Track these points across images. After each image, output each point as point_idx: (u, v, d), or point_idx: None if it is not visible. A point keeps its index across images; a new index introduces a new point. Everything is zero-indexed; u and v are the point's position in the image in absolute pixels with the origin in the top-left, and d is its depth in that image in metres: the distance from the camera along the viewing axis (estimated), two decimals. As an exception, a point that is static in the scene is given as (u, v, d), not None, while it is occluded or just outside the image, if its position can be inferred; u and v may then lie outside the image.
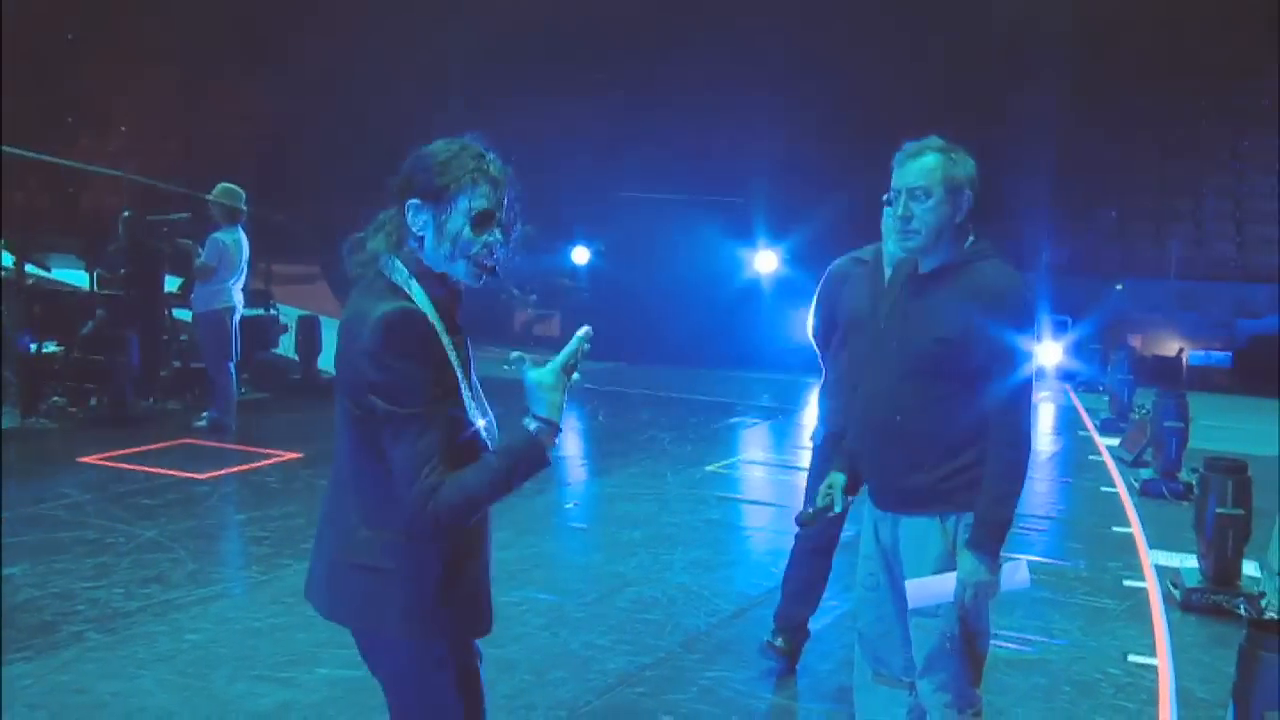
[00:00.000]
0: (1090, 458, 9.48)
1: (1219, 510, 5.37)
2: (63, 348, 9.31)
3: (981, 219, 2.99)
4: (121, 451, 7.66)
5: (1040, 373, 13.77)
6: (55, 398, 8.93)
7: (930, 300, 2.94)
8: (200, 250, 8.58)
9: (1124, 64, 17.80)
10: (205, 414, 8.66)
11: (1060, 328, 15.35)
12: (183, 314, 9.77)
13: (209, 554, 5.71)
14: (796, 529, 4.38)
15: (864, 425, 3.08)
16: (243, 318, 8.80)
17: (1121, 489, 8.09)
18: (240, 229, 8.47)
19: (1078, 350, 15.20)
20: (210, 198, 8.54)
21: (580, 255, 16.45)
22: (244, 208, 8.50)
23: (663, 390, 12.24)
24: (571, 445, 8.96)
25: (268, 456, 7.81)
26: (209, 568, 5.43)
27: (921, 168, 2.89)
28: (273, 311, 11.21)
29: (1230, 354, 16.41)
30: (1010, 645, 4.67)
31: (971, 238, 2.96)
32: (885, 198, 3.18)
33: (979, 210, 2.95)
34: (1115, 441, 9.83)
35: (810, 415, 4.45)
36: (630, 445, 9.02)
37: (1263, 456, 8.32)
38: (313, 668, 4.19)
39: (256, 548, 5.80)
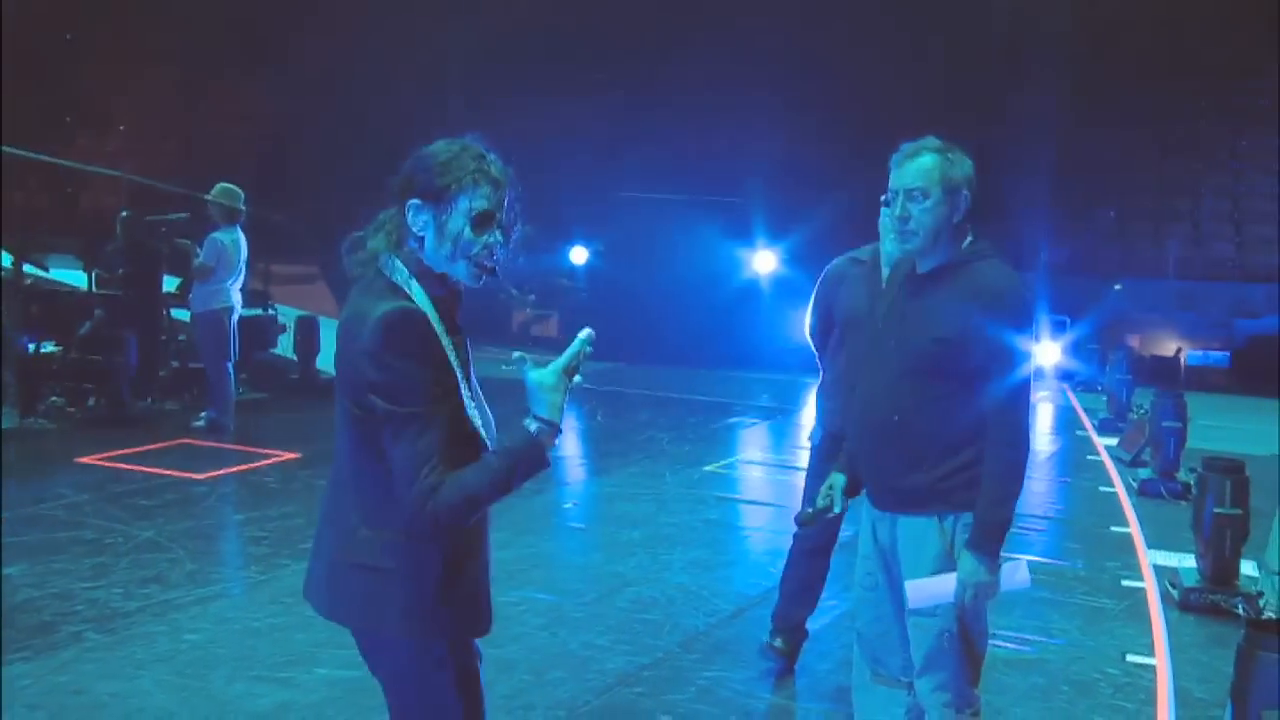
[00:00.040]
0: (1088, 457, 9.49)
1: (1217, 510, 5.38)
2: (61, 348, 9.31)
3: (979, 219, 2.99)
4: (120, 452, 7.66)
5: (1039, 372, 13.79)
6: (53, 398, 8.93)
7: (928, 300, 2.94)
8: (199, 250, 8.58)
9: (1123, 64, 17.80)
10: (203, 414, 8.65)
11: (1059, 327, 15.36)
12: (181, 314, 9.77)
13: (207, 554, 5.71)
14: (795, 529, 4.39)
15: (862, 425, 3.08)
16: (241, 318, 8.79)
17: (1120, 489, 8.09)
18: (239, 229, 8.47)
19: (1076, 350, 15.21)
20: (209, 198, 8.54)
21: (579, 255, 16.45)
22: (242, 208, 8.50)
23: (661, 390, 12.25)
24: (570, 445, 8.96)
25: (266, 457, 7.81)
26: (207, 568, 5.43)
27: (919, 168, 2.89)
28: (271, 311, 11.21)
29: (1228, 354, 16.42)
30: (1009, 645, 4.67)
31: (970, 238, 2.97)
32: (883, 198, 3.19)
33: (977, 210, 2.95)
34: (1113, 441, 9.83)
35: (809, 415, 4.46)
36: (629, 445, 9.03)
37: (1261, 456, 8.33)
38: (311, 668, 4.19)
39: (255, 548, 5.80)
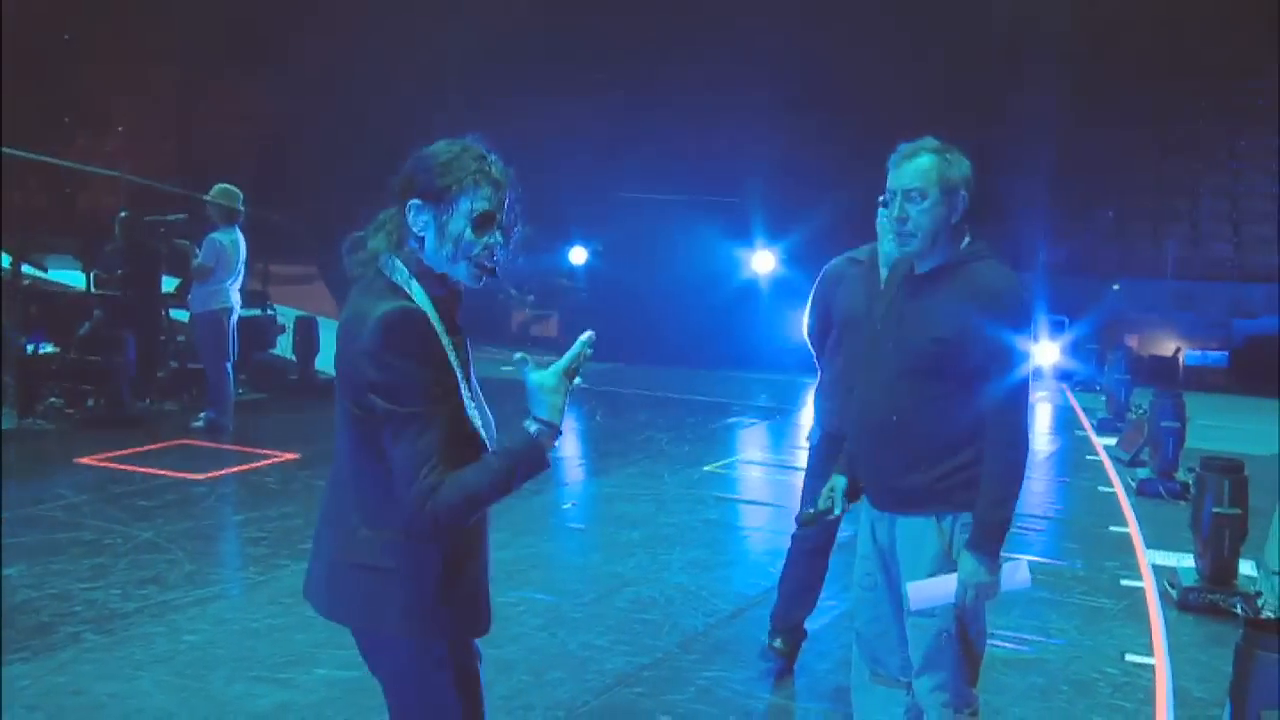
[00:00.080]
0: (1087, 457, 9.49)
1: (1216, 510, 5.38)
2: (60, 348, 9.30)
3: (978, 219, 2.99)
4: (119, 452, 7.65)
5: (1037, 372, 13.79)
6: (52, 399, 8.92)
7: (927, 301, 2.95)
8: (197, 251, 8.58)
9: (1123, 64, 17.81)
10: (202, 415, 8.65)
11: (1057, 327, 15.36)
12: (180, 315, 9.76)
13: (206, 555, 5.71)
14: (794, 529, 4.39)
15: (860, 425, 3.08)
16: (240, 318, 8.79)
17: (1118, 488, 8.10)
18: (237, 229, 8.46)
19: (1075, 350, 15.21)
20: (208, 198, 8.54)
21: (578, 255, 16.45)
22: (241, 208, 8.49)
23: (660, 390, 12.25)
24: (569, 446, 8.96)
25: (265, 457, 7.80)
26: (206, 568, 5.43)
27: (916, 169, 2.89)
28: (270, 312, 11.20)
29: (1227, 354, 16.43)
30: (1008, 645, 4.68)
31: (968, 238, 2.97)
32: (880, 199, 3.19)
33: (975, 211, 2.95)
34: (1112, 441, 9.84)
35: (807, 415, 4.46)
36: (628, 445, 9.03)
37: (1259, 456, 8.33)
38: (311, 668, 4.19)
39: (254, 548, 5.80)
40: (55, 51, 19.01)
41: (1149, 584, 5.73)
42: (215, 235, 8.38)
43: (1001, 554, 2.92)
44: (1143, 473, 8.23)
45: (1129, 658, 4.71)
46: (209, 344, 8.51)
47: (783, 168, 15.86)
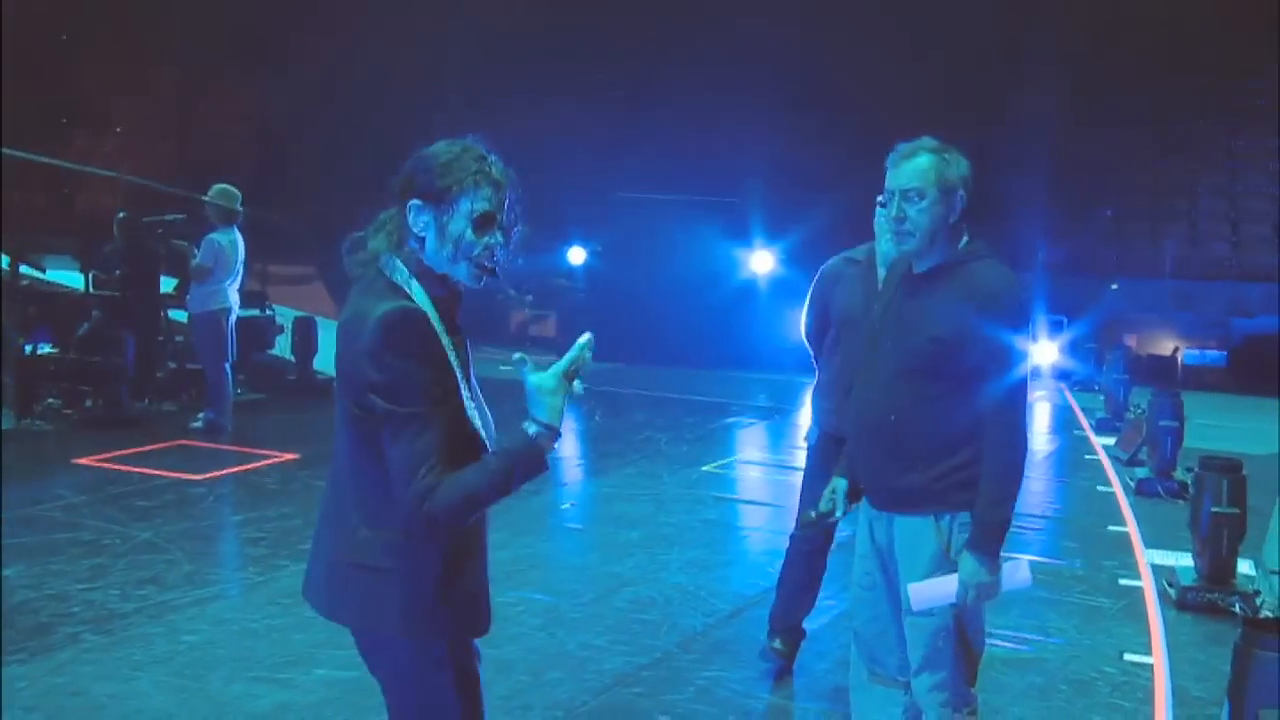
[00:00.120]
0: (1086, 457, 9.50)
1: (1214, 509, 5.38)
2: (58, 349, 9.30)
3: (976, 219, 2.99)
4: (117, 453, 7.65)
5: (1036, 372, 13.79)
6: (51, 399, 8.92)
7: (925, 300, 2.95)
8: (196, 251, 8.57)
9: (1122, 64, 17.83)
10: (201, 415, 8.65)
11: (1056, 327, 15.37)
12: (179, 315, 9.76)
13: (205, 555, 5.71)
14: (792, 529, 4.39)
15: (858, 425, 3.08)
16: (239, 319, 8.78)
17: (1117, 488, 8.10)
18: (236, 230, 8.46)
19: (1073, 350, 15.22)
20: (206, 199, 8.53)
21: (576, 255, 16.44)
22: (240, 209, 8.49)
23: (659, 390, 12.25)
24: (568, 446, 8.96)
25: (264, 457, 7.80)
26: (205, 569, 5.42)
27: (915, 169, 2.89)
28: (269, 312, 11.20)
29: (1225, 353, 16.44)
30: (1006, 644, 4.68)
31: (966, 238, 2.97)
32: (879, 199, 3.19)
33: (973, 210, 2.95)
34: (1111, 441, 9.84)
35: (806, 415, 4.46)
36: (627, 446, 9.02)
37: (1258, 455, 8.34)
38: (310, 668, 4.19)
39: (253, 549, 5.80)
40: (54, 51, 18.99)
41: (1147, 583, 5.74)
42: (214, 236, 8.38)
43: (1001, 554, 2.92)
44: (1141, 472, 8.23)
45: (1128, 657, 4.71)
46: (208, 344, 8.51)
47: (782, 168, 15.87)
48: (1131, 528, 6.92)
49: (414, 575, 2.16)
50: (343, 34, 18.51)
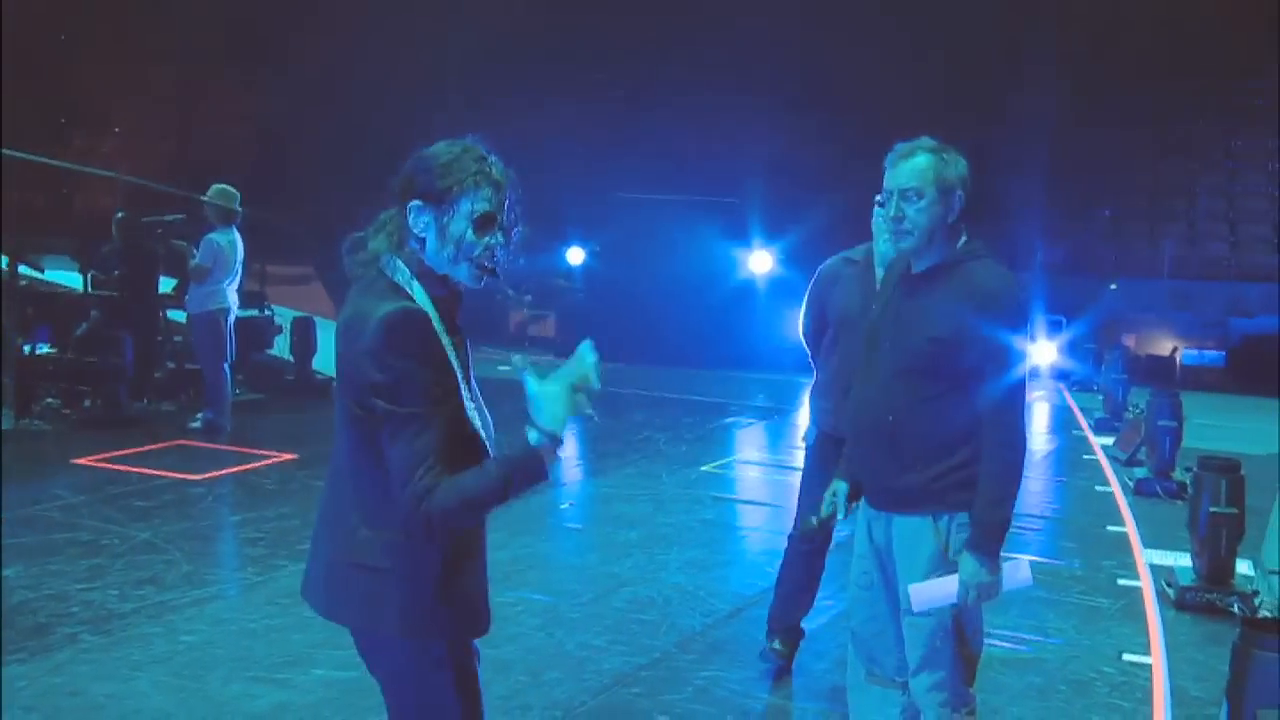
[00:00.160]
0: (1085, 457, 9.50)
1: (1212, 509, 5.38)
2: (57, 349, 9.29)
3: (975, 219, 3.00)
4: (116, 453, 7.65)
5: (1035, 372, 13.81)
6: (49, 399, 8.91)
7: (923, 300, 2.95)
8: (195, 251, 8.57)
9: (1121, 64, 17.84)
10: (200, 415, 8.64)
11: (1054, 327, 15.38)
12: (177, 315, 9.75)
13: (204, 555, 5.71)
14: (791, 529, 4.39)
15: (856, 425, 3.09)
16: (237, 319, 8.78)
17: (1116, 488, 8.11)
18: (235, 230, 8.45)
19: (1072, 350, 15.23)
20: (205, 199, 8.53)
21: (575, 256, 16.44)
22: (239, 209, 8.48)
23: (658, 390, 12.24)
24: (567, 446, 8.94)
25: (263, 458, 7.80)
26: (204, 569, 5.42)
27: (913, 168, 2.90)
28: (267, 312, 11.19)
29: (1224, 353, 16.45)
30: (1005, 644, 4.68)
31: (964, 238, 2.97)
32: (877, 198, 3.19)
33: (972, 210, 2.96)
34: (1109, 441, 9.85)
35: (804, 415, 4.46)
36: (625, 446, 9.02)
37: (1256, 455, 8.34)
38: (308, 669, 4.19)
39: (252, 549, 5.80)
40: (54, 51, 18.99)
41: (1146, 583, 5.74)
42: (213, 236, 8.37)
43: (1001, 553, 2.92)
44: (1140, 472, 8.24)
45: (1126, 657, 4.71)
46: (206, 345, 8.50)
47: (781, 168, 15.88)
48: (1130, 528, 6.92)
49: (413, 575, 2.16)
50: (343, 34, 18.51)
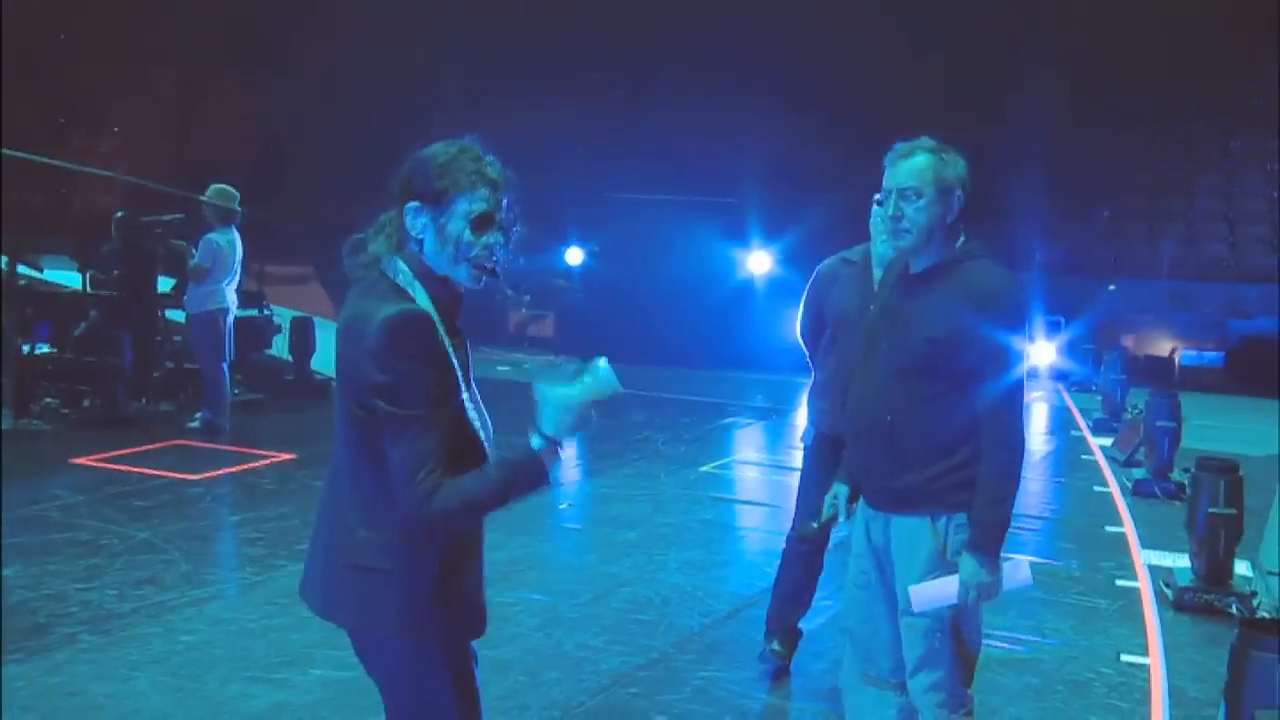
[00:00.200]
0: (1083, 457, 9.51)
1: (1211, 510, 5.39)
2: (55, 349, 9.29)
3: (974, 219, 3.00)
4: (114, 453, 7.64)
5: (1033, 373, 13.81)
6: (48, 399, 8.91)
7: (921, 300, 2.95)
8: (194, 251, 8.57)
9: (1120, 64, 17.85)
10: (199, 415, 8.64)
11: (1053, 328, 15.39)
12: (176, 315, 9.75)
13: (203, 555, 5.71)
14: (789, 530, 4.39)
15: (854, 425, 3.09)
16: (236, 319, 8.77)
17: (1114, 489, 8.11)
18: (234, 230, 8.45)
19: (1071, 350, 15.24)
20: (204, 199, 8.53)
21: (574, 256, 16.44)
22: (238, 209, 8.48)
23: (657, 391, 12.24)
24: (566, 447, 8.94)
25: (262, 457, 7.80)
26: (203, 569, 5.42)
27: (912, 168, 2.90)
28: (266, 312, 11.19)
29: (1222, 354, 16.45)
30: (1003, 645, 4.68)
31: (962, 238, 2.98)
32: (876, 197, 3.19)
33: (971, 210, 2.96)
34: (1108, 441, 9.85)
35: (803, 416, 4.46)
36: (624, 446, 9.02)
37: (1255, 456, 8.35)
38: (307, 669, 4.19)
39: (250, 549, 5.79)
40: (53, 51, 18.98)
41: (1144, 584, 5.74)
42: (211, 236, 8.37)
43: (1001, 554, 2.92)
44: (1138, 473, 8.24)
45: (1124, 658, 4.71)
46: (205, 344, 8.50)
47: (780, 168, 15.88)
48: (1128, 528, 6.92)
49: (410, 576, 2.16)
50: (343, 34, 18.51)
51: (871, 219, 3.91)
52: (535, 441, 2.10)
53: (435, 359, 2.12)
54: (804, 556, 4.34)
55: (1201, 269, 17.62)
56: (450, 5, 18.40)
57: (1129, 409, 10.28)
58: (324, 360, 10.37)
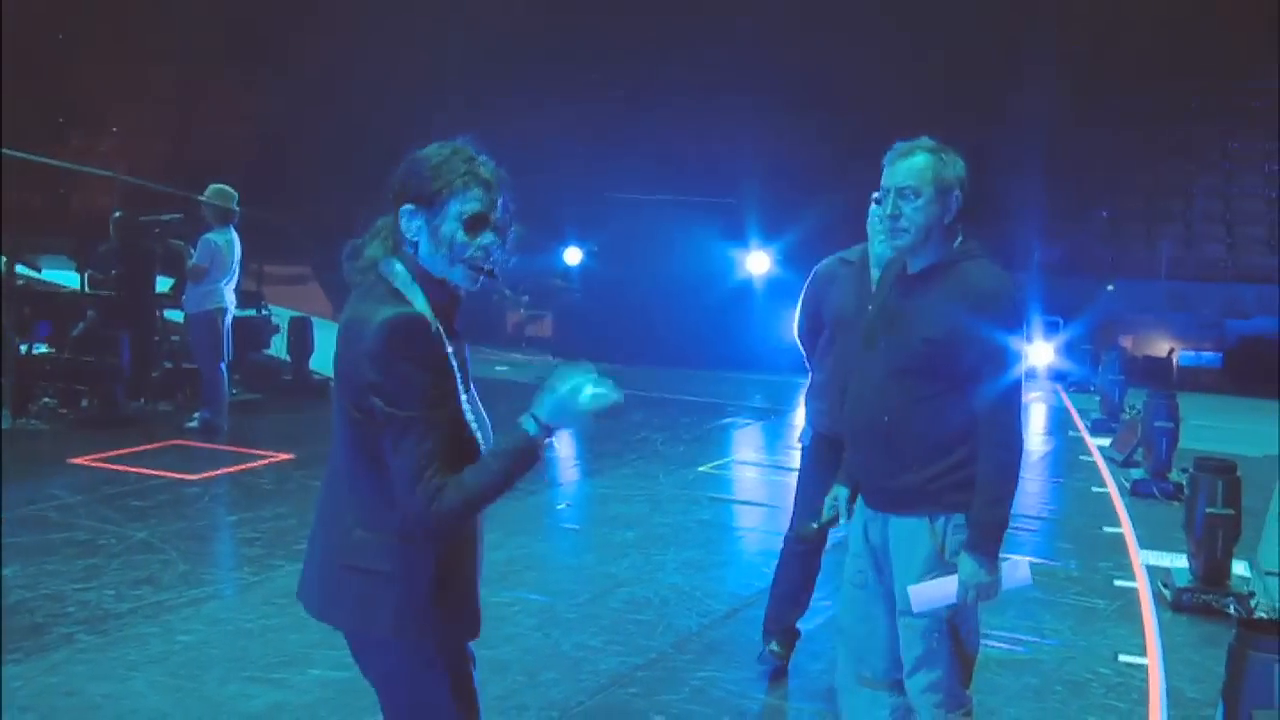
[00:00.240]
0: (1081, 458, 9.51)
1: (1209, 510, 5.39)
2: (54, 349, 9.28)
3: (973, 220, 3.00)
4: (112, 453, 7.64)
5: (1031, 373, 13.82)
6: (46, 399, 8.90)
7: (918, 300, 2.95)
8: (192, 251, 8.57)
9: (1118, 64, 17.87)
10: (197, 415, 8.63)
11: (1051, 328, 15.40)
12: (174, 315, 9.74)
13: (200, 555, 5.70)
14: (787, 531, 4.39)
15: (853, 426, 3.09)
16: (235, 318, 8.77)
17: (1112, 489, 8.11)
18: (232, 230, 8.45)
19: (1069, 351, 15.26)
20: (202, 199, 8.52)
21: (572, 256, 16.44)
22: (236, 209, 8.48)
23: (655, 391, 12.24)
24: (564, 446, 8.96)
25: (260, 457, 7.79)
26: (200, 569, 5.42)
27: (911, 167, 2.90)
28: (265, 312, 11.19)
29: (1220, 354, 16.48)
30: (1001, 645, 4.68)
31: (960, 238, 2.98)
32: (874, 195, 3.20)
33: (970, 211, 2.96)
34: (1106, 442, 9.86)
35: (802, 416, 4.47)
36: (622, 446, 9.02)
37: (1253, 456, 8.36)
38: (305, 669, 4.19)
39: (248, 549, 5.79)
40: (52, 51, 18.98)
41: (1142, 584, 5.74)
42: (210, 236, 8.36)
43: (1000, 554, 2.92)
44: (1136, 473, 8.25)
45: (1122, 658, 4.72)
46: (203, 344, 8.50)
47: (779, 168, 15.89)
48: (1126, 529, 6.93)
49: (407, 578, 2.16)
50: (343, 34, 18.52)
51: (869, 218, 3.91)
52: (530, 426, 2.10)
53: (432, 361, 2.12)
54: (802, 557, 4.34)
55: (1200, 269, 17.65)
56: (450, 5, 18.41)
57: (1127, 409, 10.29)
58: (322, 360, 10.37)
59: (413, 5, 18.41)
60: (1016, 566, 2.98)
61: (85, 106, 20.57)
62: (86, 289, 9.61)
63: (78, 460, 7.41)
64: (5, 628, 4.43)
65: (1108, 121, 18.12)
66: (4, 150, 10.24)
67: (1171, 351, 16.54)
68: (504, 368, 11.08)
